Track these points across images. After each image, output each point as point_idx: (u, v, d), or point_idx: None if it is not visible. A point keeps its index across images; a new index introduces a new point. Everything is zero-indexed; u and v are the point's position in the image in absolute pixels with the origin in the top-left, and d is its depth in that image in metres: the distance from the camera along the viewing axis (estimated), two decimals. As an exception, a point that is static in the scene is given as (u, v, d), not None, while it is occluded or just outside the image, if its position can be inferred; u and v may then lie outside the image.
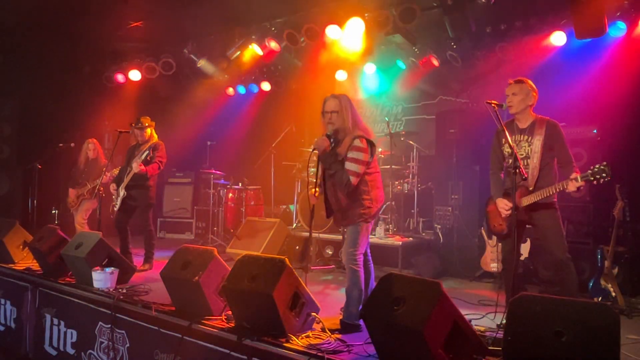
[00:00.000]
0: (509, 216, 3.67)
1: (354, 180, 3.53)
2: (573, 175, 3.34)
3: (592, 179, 3.19)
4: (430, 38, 6.72)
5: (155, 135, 5.86)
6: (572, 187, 3.34)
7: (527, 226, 3.81)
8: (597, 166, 3.17)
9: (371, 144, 3.65)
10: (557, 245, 3.54)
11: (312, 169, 7.06)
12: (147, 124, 5.78)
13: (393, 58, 7.36)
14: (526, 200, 3.56)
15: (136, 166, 5.40)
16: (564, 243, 3.55)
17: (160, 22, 7.18)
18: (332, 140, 3.62)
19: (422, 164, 6.86)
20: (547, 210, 3.58)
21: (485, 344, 2.78)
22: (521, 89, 3.66)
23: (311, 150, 3.72)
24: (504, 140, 3.71)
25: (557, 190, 3.44)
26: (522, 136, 3.69)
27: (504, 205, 3.69)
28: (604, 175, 3.15)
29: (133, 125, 5.82)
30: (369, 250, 3.95)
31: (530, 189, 3.58)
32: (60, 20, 6.86)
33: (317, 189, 3.82)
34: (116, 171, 5.79)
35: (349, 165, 3.54)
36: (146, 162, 5.52)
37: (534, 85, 3.70)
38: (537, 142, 3.60)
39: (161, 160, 5.68)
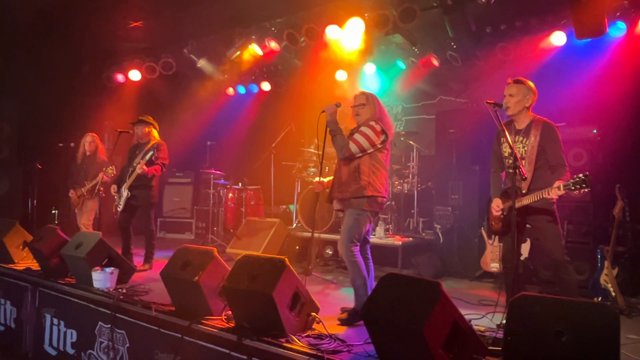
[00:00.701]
0: (502, 216, 3.68)
1: (353, 147, 3.74)
2: (556, 184, 3.31)
3: (573, 188, 3.21)
4: (430, 38, 6.72)
5: (157, 135, 5.86)
6: (554, 194, 3.33)
7: (527, 226, 3.80)
8: (580, 176, 3.18)
9: (385, 134, 3.83)
10: (555, 247, 3.53)
11: (313, 169, 7.12)
12: (144, 120, 5.76)
13: (393, 58, 7.37)
14: (518, 203, 3.53)
15: (139, 167, 5.39)
16: (562, 245, 3.54)
17: (160, 22, 7.18)
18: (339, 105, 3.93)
19: (422, 164, 6.86)
20: (543, 212, 3.56)
21: (485, 344, 2.78)
22: (519, 89, 3.63)
23: (321, 111, 3.94)
24: (503, 140, 3.70)
25: (542, 196, 3.42)
26: (518, 137, 3.67)
27: (495, 206, 3.72)
28: (583, 185, 3.17)
29: (132, 123, 5.81)
30: (369, 249, 3.98)
31: (524, 191, 3.57)
32: (60, 20, 6.86)
33: (320, 178, 3.99)
34: (110, 170, 5.71)
35: (355, 136, 3.78)
36: (150, 163, 5.52)
37: (533, 86, 3.67)
38: (532, 144, 3.59)
39: (164, 162, 5.68)
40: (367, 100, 3.93)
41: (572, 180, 3.22)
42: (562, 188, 3.26)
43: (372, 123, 3.81)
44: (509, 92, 3.65)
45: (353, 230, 3.74)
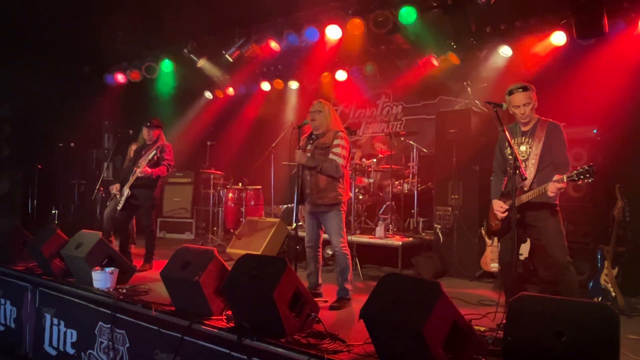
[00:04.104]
0: (503, 217, 3.68)
1: (342, 162, 4.20)
2: (556, 177, 3.32)
3: (577, 179, 3.23)
4: (430, 38, 6.72)
5: (164, 137, 5.88)
6: (552, 188, 3.33)
7: (527, 227, 3.80)
8: (584, 167, 3.20)
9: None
10: (558, 248, 3.53)
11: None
12: (156, 124, 5.78)
13: (393, 58, 7.37)
14: (518, 201, 3.53)
15: (140, 170, 5.40)
16: (564, 245, 3.54)
17: (161, 22, 7.18)
18: (313, 138, 4.35)
19: (422, 164, 6.86)
20: (545, 210, 3.56)
21: (485, 344, 2.78)
22: (530, 96, 3.61)
23: (296, 163, 4.33)
24: (506, 143, 3.70)
25: (542, 192, 3.42)
26: (523, 139, 3.69)
27: (498, 207, 3.71)
28: (587, 175, 3.19)
29: (144, 125, 5.82)
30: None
31: (525, 189, 3.57)
32: (60, 20, 6.86)
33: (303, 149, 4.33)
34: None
35: (336, 152, 4.19)
36: (155, 164, 5.53)
37: (534, 88, 3.69)
38: (537, 144, 3.60)
39: (169, 164, 5.69)
40: (323, 108, 4.31)
41: (575, 172, 3.23)
42: (565, 179, 3.27)
43: (342, 135, 4.25)
44: (524, 102, 3.58)
45: (342, 227, 4.26)
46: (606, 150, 5.33)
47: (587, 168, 3.18)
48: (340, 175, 4.19)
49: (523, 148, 3.67)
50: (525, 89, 3.60)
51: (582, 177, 3.20)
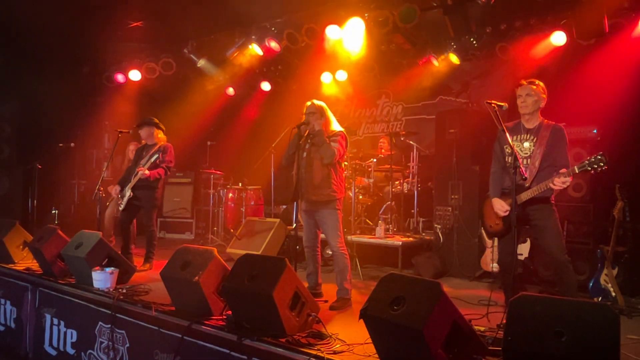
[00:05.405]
0: (505, 216, 3.68)
1: (337, 153, 4.21)
2: (562, 170, 3.34)
3: (590, 168, 3.21)
4: (430, 38, 6.73)
5: (163, 136, 5.87)
6: (557, 181, 3.34)
7: (526, 227, 3.80)
8: (594, 156, 3.19)
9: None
10: (556, 246, 3.53)
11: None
12: (147, 122, 5.76)
13: (393, 58, 7.37)
14: (519, 199, 3.55)
15: (141, 173, 5.40)
16: (562, 244, 3.55)
17: (160, 22, 7.18)
18: (310, 137, 4.34)
19: (422, 164, 6.86)
20: (543, 209, 3.57)
21: (485, 344, 2.78)
22: (536, 90, 3.64)
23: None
24: (505, 143, 3.71)
25: (546, 187, 3.44)
26: (528, 136, 3.70)
27: (500, 207, 3.71)
28: (601, 164, 3.17)
29: (137, 126, 5.82)
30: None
31: (527, 185, 3.59)
32: (60, 20, 6.86)
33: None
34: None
35: (335, 145, 4.23)
36: (155, 166, 5.53)
37: (545, 88, 3.70)
38: (541, 144, 3.61)
39: (169, 166, 5.69)
40: (316, 109, 4.36)
41: (587, 161, 3.22)
42: (577, 170, 3.27)
43: (341, 136, 4.29)
44: (526, 92, 3.64)
45: (339, 226, 4.26)
46: (606, 150, 5.30)
47: (599, 157, 3.17)
48: (330, 162, 4.19)
49: (527, 145, 3.68)
50: (532, 82, 3.66)
51: (595, 166, 3.18)
